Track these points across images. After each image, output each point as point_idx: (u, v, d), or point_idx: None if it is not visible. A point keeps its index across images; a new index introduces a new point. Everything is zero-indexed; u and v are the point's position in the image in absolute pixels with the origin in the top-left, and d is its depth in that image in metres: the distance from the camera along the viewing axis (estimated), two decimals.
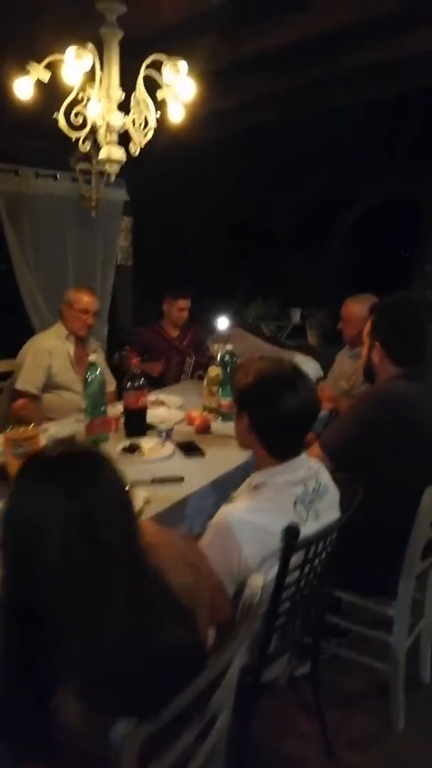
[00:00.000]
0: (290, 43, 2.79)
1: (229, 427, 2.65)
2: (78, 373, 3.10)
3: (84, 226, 4.78)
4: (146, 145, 2.26)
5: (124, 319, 5.44)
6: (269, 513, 1.39)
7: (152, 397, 3.10)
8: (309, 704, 2.05)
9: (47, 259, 4.58)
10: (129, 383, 2.47)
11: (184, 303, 3.82)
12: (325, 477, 1.58)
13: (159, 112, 2.10)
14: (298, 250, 8.30)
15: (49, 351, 3.10)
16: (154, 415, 2.79)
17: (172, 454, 2.35)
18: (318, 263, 8.37)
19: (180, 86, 2.02)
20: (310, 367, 4.19)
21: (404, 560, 1.88)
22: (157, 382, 3.80)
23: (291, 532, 1.34)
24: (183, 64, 1.94)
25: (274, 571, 1.38)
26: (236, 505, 1.42)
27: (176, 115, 2.22)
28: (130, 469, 2.20)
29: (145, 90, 2.07)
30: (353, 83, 3.64)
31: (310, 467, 1.51)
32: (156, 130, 2.24)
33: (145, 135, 2.13)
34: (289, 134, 6.43)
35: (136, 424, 2.50)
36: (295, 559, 1.41)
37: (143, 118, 2.11)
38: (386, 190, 7.32)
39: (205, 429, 2.61)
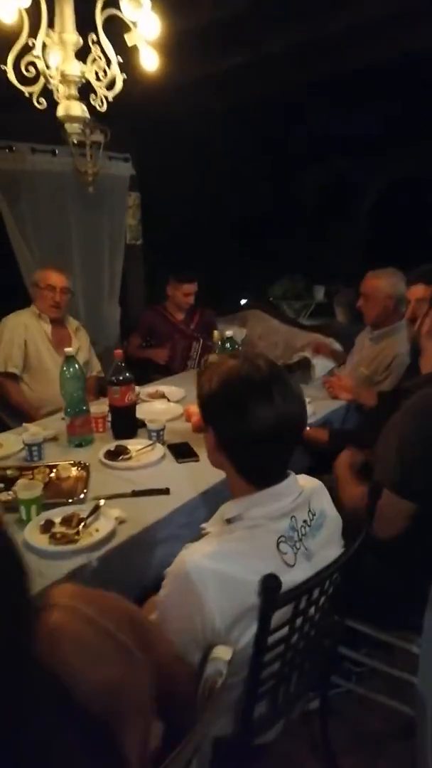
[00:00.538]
0: None
1: None
2: (61, 355, 2.83)
3: (88, 203, 4.46)
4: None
5: (136, 302, 5.13)
6: (242, 558, 1.06)
7: (152, 388, 2.80)
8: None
9: (49, 239, 4.28)
10: (113, 377, 2.16)
11: (189, 287, 3.49)
12: (323, 503, 1.24)
13: (119, 58, 1.75)
14: (323, 224, 7.84)
15: (25, 325, 2.87)
16: (149, 410, 2.49)
17: (162, 458, 2.04)
18: (345, 238, 7.90)
19: (144, 24, 1.66)
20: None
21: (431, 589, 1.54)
22: (163, 370, 3.51)
23: (269, 585, 1.02)
24: None
25: (253, 629, 1.06)
26: (200, 547, 1.09)
27: (150, 63, 1.87)
28: (112, 479, 1.91)
29: (103, 33, 1.72)
30: (362, 42, 3.21)
31: (301, 492, 1.18)
32: (133, 84, 1.91)
33: (109, 86, 1.78)
34: (310, 104, 5.95)
35: (124, 423, 2.20)
36: (282, 613, 1.09)
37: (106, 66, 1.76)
38: (414, 164, 6.78)
39: (203, 427, 2.28)
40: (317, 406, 2.54)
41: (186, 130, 5.39)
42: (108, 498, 1.72)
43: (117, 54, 1.75)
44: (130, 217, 4.86)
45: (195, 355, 3.47)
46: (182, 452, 2.06)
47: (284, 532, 1.11)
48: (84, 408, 2.13)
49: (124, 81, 1.83)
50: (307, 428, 2.20)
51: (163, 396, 2.68)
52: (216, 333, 2.53)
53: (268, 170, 7.04)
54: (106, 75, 1.80)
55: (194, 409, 2.39)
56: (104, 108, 1.88)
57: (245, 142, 6.21)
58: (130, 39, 1.81)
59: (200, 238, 7.42)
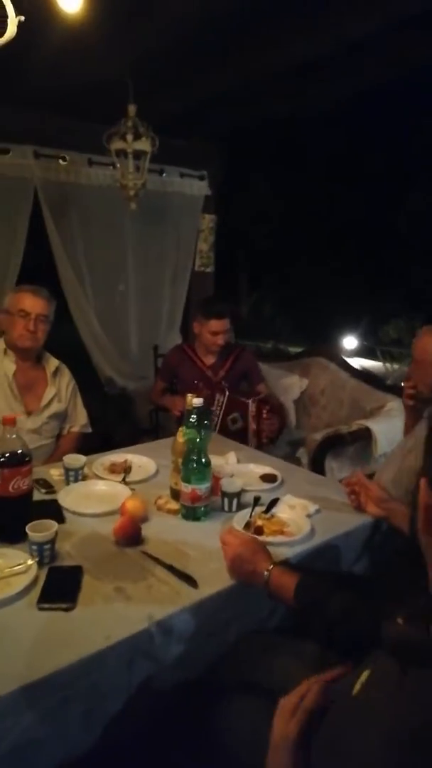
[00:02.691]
0: None
1: (189, 534, 1.52)
2: (21, 403, 2.16)
3: (152, 224, 3.84)
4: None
5: None
6: None
7: (119, 456, 2.03)
8: None
9: (101, 261, 3.72)
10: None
11: (218, 325, 2.69)
12: None
13: None
14: None
15: None
16: (86, 492, 1.74)
17: (20, 593, 1.25)
18: None
19: None
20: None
21: None
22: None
23: None
24: None
25: None
26: None
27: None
28: None
29: None
30: None
31: None
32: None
33: None
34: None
35: (8, 522, 1.45)
36: None
37: None
38: None
39: (129, 537, 1.46)
40: (324, 521, 1.62)
41: (280, 143, 4.61)
42: None
43: None
44: (201, 242, 4.17)
45: (218, 411, 2.64)
46: (53, 590, 1.25)
47: None
48: None
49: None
50: (269, 567, 1.28)
51: (125, 470, 1.89)
52: (188, 397, 1.70)
53: (387, 188, 6.00)
54: None
55: (133, 504, 1.58)
56: None
57: (355, 157, 5.26)
58: None
59: (297, 267, 6.54)
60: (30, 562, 1.30)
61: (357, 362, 6.12)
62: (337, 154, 5.23)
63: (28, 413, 2.17)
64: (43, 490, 1.73)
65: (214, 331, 2.69)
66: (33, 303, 2.14)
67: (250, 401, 2.53)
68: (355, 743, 0.62)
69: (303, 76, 2.89)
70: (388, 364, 5.88)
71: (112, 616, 1.19)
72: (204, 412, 1.65)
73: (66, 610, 1.20)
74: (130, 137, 2.92)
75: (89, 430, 2.39)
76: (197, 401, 1.63)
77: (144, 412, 3.75)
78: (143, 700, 1.19)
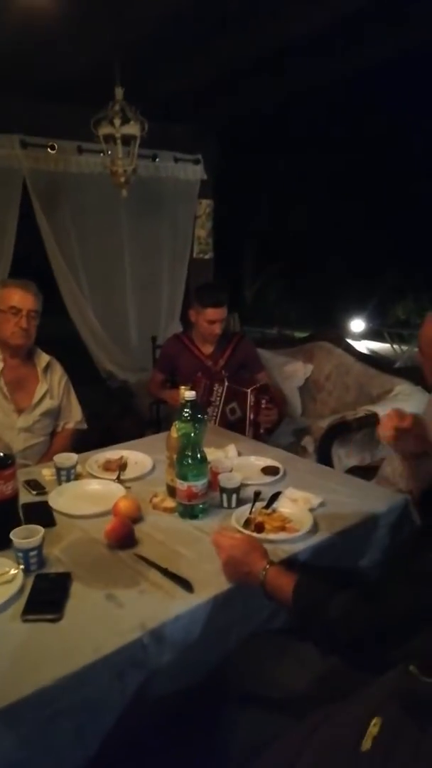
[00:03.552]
0: None
1: (186, 534, 1.46)
2: (12, 401, 2.10)
3: (146, 211, 3.76)
4: None
5: None
6: None
7: (114, 452, 1.96)
8: None
9: (96, 251, 3.64)
10: None
11: (215, 313, 2.61)
12: None
13: None
14: None
15: None
16: (75, 493, 1.67)
17: (6, 605, 1.19)
18: None
19: None
20: (415, 400, 2.72)
21: None
22: None
23: None
24: None
25: None
26: None
27: None
28: None
29: None
30: None
31: None
32: None
33: None
34: None
35: None
36: None
37: None
38: None
39: (122, 540, 1.40)
40: (329, 515, 1.54)
41: (278, 124, 4.49)
42: None
43: None
44: (199, 228, 4.07)
45: (217, 402, 2.56)
46: (39, 599, 1.19)
47: None
48: None
49: None
50: (266, 567, 1.21)
51: (119, 467, 1.83)
52: (181, 390, 1.62)
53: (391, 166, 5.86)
54: None
55: (125, 504, 1.52)
56: None
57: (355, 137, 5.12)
58: None
59: (302, 250, 6.42)
60: (14, 570, 1.24)
61: (364, 345, 6.02)
62: (345, 126, 5.12)
63: (19, 411, 2.11)
64: (34, 492, 1.67)
65: (211, 319, 2.61)
66: (23, 299, 2.07)
67: (248, 391, 2.46)
68: None
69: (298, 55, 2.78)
70: (396, 346, 5.76)
71: (101, 626, 1.13)
72: (198, 406, 1.57)
73: (52, 620, 1.13)
74: (117, 122, 2.83)
75: (85, 426, 2.32)
76: (190, 394, 1.55)
77: (147, 405, 3.68)
78: (139, 712, 1.13)
